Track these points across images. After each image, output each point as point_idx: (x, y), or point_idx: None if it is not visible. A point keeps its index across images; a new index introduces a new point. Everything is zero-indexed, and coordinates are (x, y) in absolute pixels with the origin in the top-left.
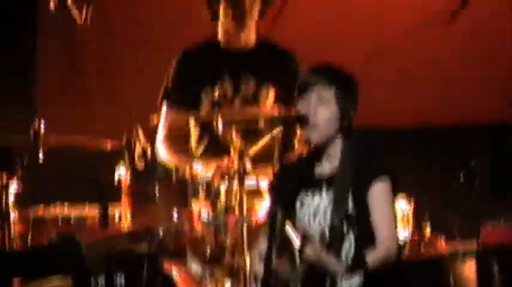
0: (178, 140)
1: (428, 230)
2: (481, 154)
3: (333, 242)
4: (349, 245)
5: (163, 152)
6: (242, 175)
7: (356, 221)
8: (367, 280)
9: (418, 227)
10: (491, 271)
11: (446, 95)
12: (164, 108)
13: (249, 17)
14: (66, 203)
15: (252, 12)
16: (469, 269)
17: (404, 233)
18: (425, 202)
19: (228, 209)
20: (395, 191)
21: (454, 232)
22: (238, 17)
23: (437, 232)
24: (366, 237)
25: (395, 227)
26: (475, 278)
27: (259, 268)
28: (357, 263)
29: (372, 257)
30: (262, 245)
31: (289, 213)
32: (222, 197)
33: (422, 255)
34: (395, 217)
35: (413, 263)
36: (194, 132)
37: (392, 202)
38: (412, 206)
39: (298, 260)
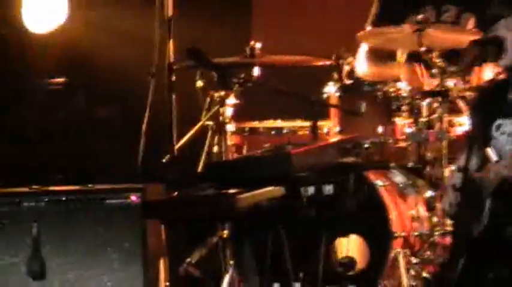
0: (381, 54)
1: None
2: None
3: None
4: None
5: (364, 67)
6: (442, 93)
7: None
8: None
9: None
10: None
11: None
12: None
13: None
14: (278, 118)
15: None
16: None
17: None
18: None
19: (429, 124)
20: None
21: None
22: None
23: None
24: None
25: None
26: None
27: (457, 179)
28: None
29: None
30: (461, 160)
31: (487, 134)
32: (424, 113)
33: None
34: None
35: None
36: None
37: None
38: None
39: (491, 173)
